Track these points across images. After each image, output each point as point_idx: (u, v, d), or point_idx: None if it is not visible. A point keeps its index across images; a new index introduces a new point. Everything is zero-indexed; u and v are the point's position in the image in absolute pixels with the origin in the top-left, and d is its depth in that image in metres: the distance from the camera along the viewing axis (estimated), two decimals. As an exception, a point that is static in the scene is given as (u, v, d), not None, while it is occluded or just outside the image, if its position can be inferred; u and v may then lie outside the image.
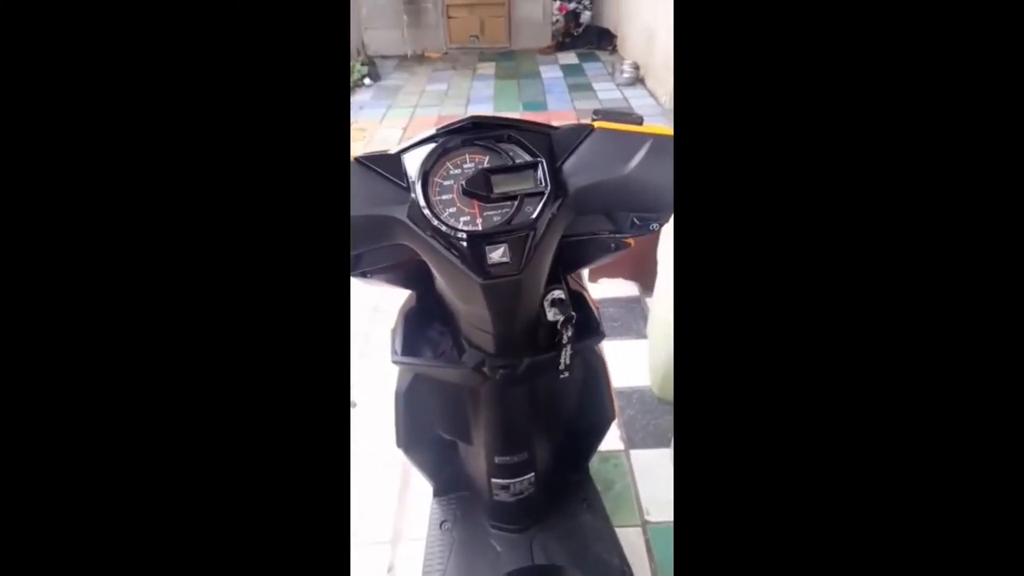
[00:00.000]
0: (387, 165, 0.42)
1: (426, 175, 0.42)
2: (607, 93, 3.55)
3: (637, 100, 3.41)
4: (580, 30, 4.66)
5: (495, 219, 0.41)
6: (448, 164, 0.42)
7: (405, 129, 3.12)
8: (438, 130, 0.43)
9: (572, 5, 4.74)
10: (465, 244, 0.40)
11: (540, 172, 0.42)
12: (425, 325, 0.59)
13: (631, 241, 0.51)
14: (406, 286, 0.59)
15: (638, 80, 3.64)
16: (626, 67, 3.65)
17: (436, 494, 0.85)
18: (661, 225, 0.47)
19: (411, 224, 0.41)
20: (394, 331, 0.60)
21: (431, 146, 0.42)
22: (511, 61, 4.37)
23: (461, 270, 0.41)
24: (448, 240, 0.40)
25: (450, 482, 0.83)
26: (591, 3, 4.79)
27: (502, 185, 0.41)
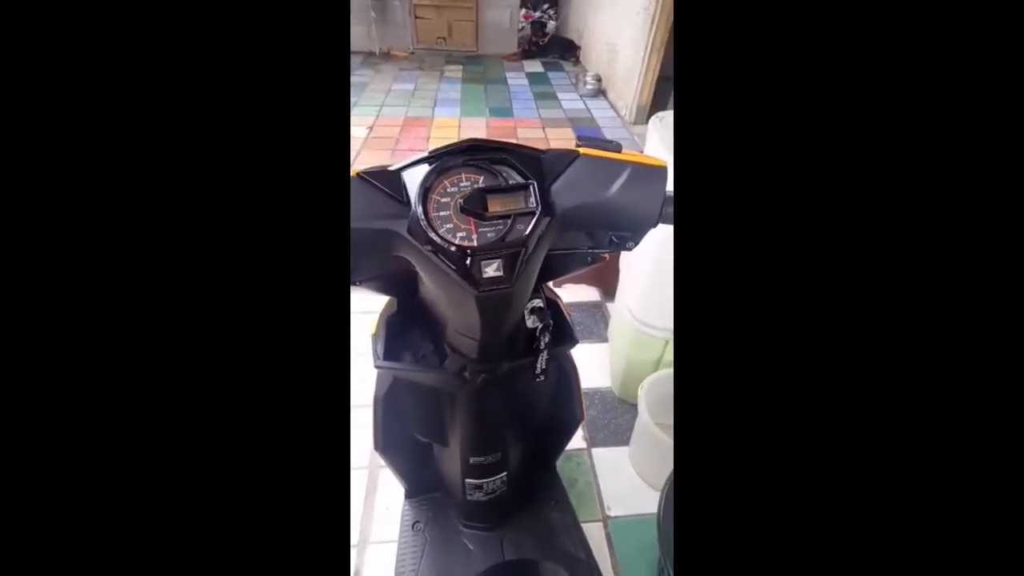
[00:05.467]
0: (387, 181, 0.44)
1: (426, 192, 0.44)
2: (571, 103, 3.65)
3: (599, 111, 3.52)
4: (546, 40, 4.75)
5: (489, 235, 0.44)
6: (446, 182, 0.45)
7: (371, 128, 3.07)
8: (436, 150, 0.46)
9: (537, 14, 4.82)
10: (461, 258, 0.43)
11: (532, 193, 0.45)
12: (406, 330, 0.61)
13: (606, 256, 0.56)
14: (390, 293, 0.60)
15: (600, 92, 3.76)
16: (589, 79, 3.77)
17: (408, 496, 0.86)
18: (636, 243, 0.52)
19: (410, 238, 0.43)
20: (375, 336, 0.61)
21: (430, 165, 0.45)
22: (478, 65, 4.39)
23: (456, 282, 0.44)
24: (445, 254, 0.43)
25: (424, 484, 0.84)
26: (556, 14, 4.90)
27: (497, 204, 0.44)
